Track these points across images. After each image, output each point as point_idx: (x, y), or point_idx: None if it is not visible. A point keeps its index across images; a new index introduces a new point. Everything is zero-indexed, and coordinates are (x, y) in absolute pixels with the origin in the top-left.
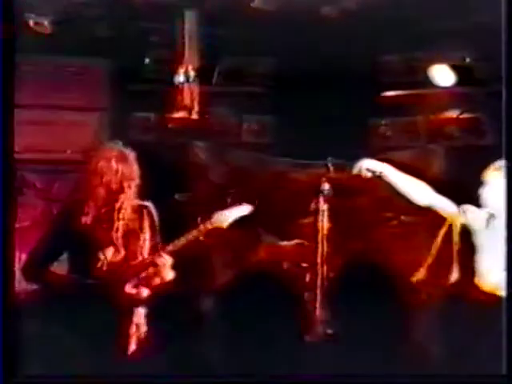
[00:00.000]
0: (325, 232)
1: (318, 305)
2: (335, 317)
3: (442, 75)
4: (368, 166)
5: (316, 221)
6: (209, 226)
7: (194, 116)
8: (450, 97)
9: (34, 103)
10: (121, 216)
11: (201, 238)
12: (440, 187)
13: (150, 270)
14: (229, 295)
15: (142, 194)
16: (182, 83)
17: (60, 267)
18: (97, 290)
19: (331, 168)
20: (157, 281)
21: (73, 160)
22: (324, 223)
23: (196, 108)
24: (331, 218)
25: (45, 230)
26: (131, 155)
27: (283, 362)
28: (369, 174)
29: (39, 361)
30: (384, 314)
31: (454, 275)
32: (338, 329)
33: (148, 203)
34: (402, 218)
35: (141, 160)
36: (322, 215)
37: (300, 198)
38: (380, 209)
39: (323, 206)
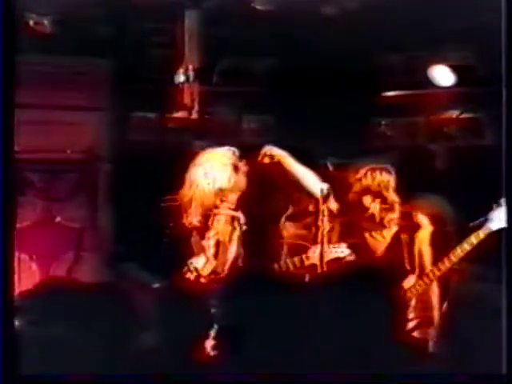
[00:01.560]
0: (325, 232)
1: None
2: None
3: (442, 75)
4: (269, 152)
5: (316, 221)
6: (305, 261)
7: (194, 116)
8: (449, 97)
9: (34, 103)
10: (215, 225)
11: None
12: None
13: None
14: None
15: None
16: (182, 83)
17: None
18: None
19: (331, 168)
20: None
21: (73, 160)
22: (324, 223)
23: (196, 108)
24: (331, 218)
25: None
26: (243, 167)
27: None
28: (267, 160)
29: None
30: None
31: None
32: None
33: (240, 214)
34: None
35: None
36: (322, 215)
37: (300, 198)
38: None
39: (323, 206)
